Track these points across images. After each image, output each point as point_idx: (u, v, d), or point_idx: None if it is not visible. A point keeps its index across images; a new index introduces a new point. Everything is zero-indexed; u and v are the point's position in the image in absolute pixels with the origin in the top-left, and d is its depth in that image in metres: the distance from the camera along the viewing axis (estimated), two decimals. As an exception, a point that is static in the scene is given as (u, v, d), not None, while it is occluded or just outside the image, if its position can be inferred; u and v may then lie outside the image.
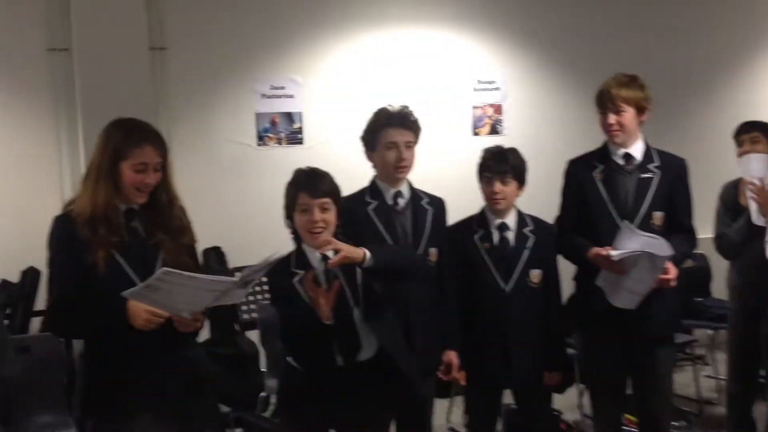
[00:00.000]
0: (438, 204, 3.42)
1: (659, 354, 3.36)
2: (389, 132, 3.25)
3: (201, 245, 5.30)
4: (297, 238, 2.96)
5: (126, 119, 2.77)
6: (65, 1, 4.95)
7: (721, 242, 4.02)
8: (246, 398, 4.44)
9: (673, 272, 3.17)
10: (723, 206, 4.06)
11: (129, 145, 2.64)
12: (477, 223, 3.40)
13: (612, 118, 3.29)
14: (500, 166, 3.33)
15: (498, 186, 3.31)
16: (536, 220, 3.43)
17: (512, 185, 3.34)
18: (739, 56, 6.56)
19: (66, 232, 2.65)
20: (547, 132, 6.08)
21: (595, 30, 6.13)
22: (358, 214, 3.22)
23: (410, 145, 3.28)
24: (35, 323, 4.87)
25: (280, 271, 2.87)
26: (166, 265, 2.64)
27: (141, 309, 2.53)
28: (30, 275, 4.84)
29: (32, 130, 5.11)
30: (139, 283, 2.57)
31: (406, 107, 3.33)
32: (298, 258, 2.91)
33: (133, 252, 2.67)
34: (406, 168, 3.29)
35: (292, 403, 2.96)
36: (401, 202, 3.30)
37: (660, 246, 3.11)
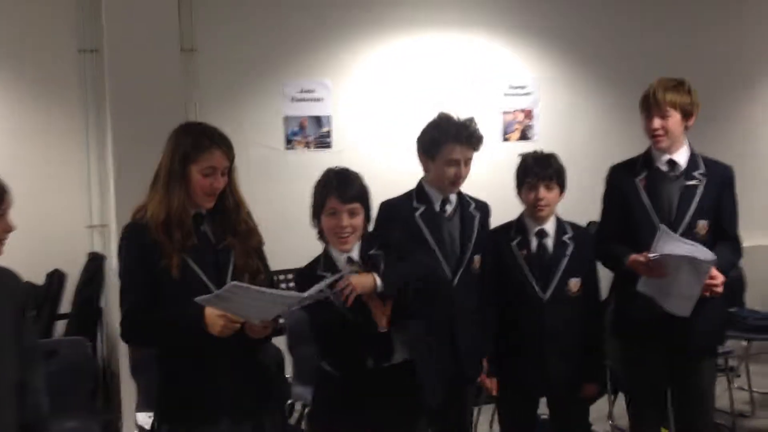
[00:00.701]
0: (484, 209, 3.38)
1: (702, 366, 3.27)
2: (454, 148, 3.18)
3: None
4: (324, 238, 2.92)
5: (194, 123, 2.80)
6: (96, 3, 4.93)
7: None
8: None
9: (720, 278, 3.08)
10: None
11: (199, 149, 2.63)
12: (515, 229, 3.33)
13: (657, 123, 3.20)
14: (545, 171, 3.24)
15: (543, 192, 3.23)
16: (575, 227, 3.35)
17: (555, 191, 3.26)
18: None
19: (137, 239, 2.63)
20: (578, 137, 6.01)
21: (627, 33, 6.07)
22: (404, 219, 3.18)
23: (469, 162, 3.23)
24: (60, 326, 4.86)
25: (308, 274, 2.85)
26: (236, 268, 2.68)
27: (217, 316, 2.51)
28: (55, 278, 4.83)
29: (61, 131, 5.11)
30: (212, 288, 2.59)
31: (472, 121, 3.25)
32: (325, 260, 2.88)
33: (205, 257, 2.65)
34: (461, 183, 3.25)
35: (326, 407, 2.92)
36: (449, 208, 3.26)
37: (701, 251, 3.03)
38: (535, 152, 3.35)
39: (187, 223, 2.64)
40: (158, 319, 2.60)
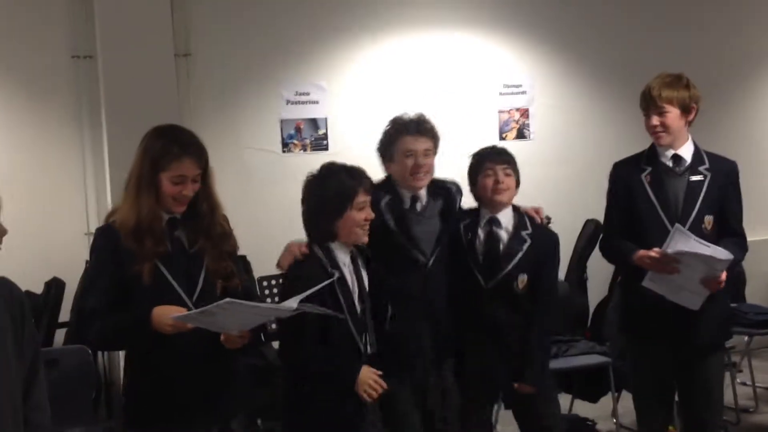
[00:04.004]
0: (459, 190, 3.34)
1: (709, 361, 3.27)
2: (406, 140, 3.17)
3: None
4: (327, 237, 2.86)
5: (166, 127, 2.73)
6: (89, 8, 4.91)
7: None
8: (275, 409, 4.38)
9: (723, 275, 3.07)
10: None
11: (168, 158, 2.60)
12: (468, 213, 3.30)
13: (655, 120, 3.19)
14: (501, 157, 3.25)
15: (501, 176, 3.20)
16: (537, 226, 3.28)
17: (512, 178, 3.24)
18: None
19: (109, 243, 2.61)
20: (574, 136, 6.01)
21: (622, 30, 6.06)
22: (373, 204, 3.12)
23: (428, 153, 3.19)
24: (60, 335, 4.83)
25: (318, 273, 2.80)
26: (208, 272, 2.65)
27: (165, 322, 2.49)
28: (54, 286, 4.79)
29: (56, 138, 5.05)
30: (182, 294, 2.59)
31: (422, 114, 3.25)
32: (329, 259, 2.85)
33: (177, 262, 2.63)
34: (426, 175, 3.19)
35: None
36: (419, 205, 3.22)
37: (719, 251, 3.02)
38: (487, 146, 3.37)
39: (158, 230, 2.61)
40: (111, 321, 2.57)
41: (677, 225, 3.07)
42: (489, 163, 3.22)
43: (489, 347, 3.19)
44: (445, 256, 3.21)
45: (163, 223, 2.64)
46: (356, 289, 2.89)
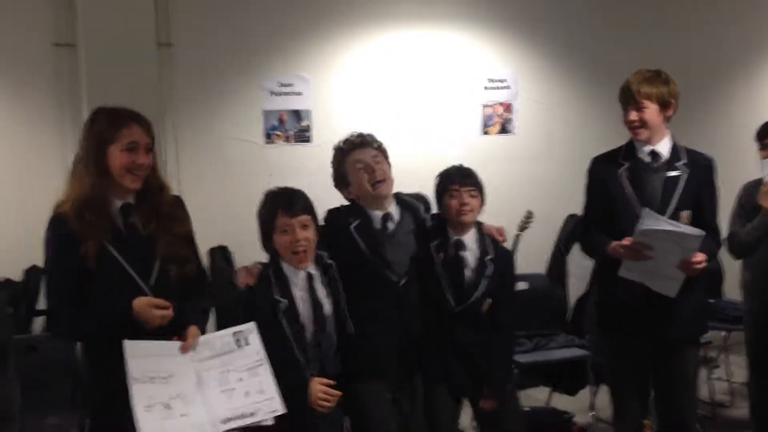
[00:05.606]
0: (426, 204, 3.33)
1: (685, 355, 3.28)
2: (352, 156, 3.16)
3: (208, 244, 5.27)
4: (275, 261, 2.90)
5: (106, 107, 2.68)
6: (72, -4, 4.89)
7: (731, 242, 3.94)
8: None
9: (701, 256, 3.08)
10: (740, 206, 3.98)
11: (116, 128, 2.56)
12: (436, 232, 3.28)
13: (633, 115, 3.20)
14: (467, 180, 3.24)
15: (466, 197, 3.20)
16: (497, 248, 3.29)
17: (477, 199, 3.24)
18: (759, 52, 6.55)
19: (59, 231, 2.56)
20: (557, 131, 6.03)
21: (606, 26, 6.09)
22: (341, 228, 3.12)
23: (378, 159, 3.16)
24: (38, 322, 4.81)
25: (262, 299, 2.82)
26: (163, 258, 2.61)
27: (151, 310, 2.48)
28: (33, 274, 4.79)
29: (37, 126, 5.03)
30: (137, 278, 2.55)
31: (361, 133, 3.26)
32: (279, 284, 2.85)
33: (130, 246, 2.58)
34: (384, 182, 3.15)
35: None
36: (391, 225, 3.18)
37: (688, 228, 3.04)
38: (452, 166, 3.34)
39: (104, 208, 2.56)
40: (87, 314, 2.54)
41: (646, 209, 3.09)
42: (455, 185, 3.22)
43: (453, 359, 3.21)
44: (417, 274, 3.22)
45: (115, 207, 2.59)
46: (310, 312, 2.89)
